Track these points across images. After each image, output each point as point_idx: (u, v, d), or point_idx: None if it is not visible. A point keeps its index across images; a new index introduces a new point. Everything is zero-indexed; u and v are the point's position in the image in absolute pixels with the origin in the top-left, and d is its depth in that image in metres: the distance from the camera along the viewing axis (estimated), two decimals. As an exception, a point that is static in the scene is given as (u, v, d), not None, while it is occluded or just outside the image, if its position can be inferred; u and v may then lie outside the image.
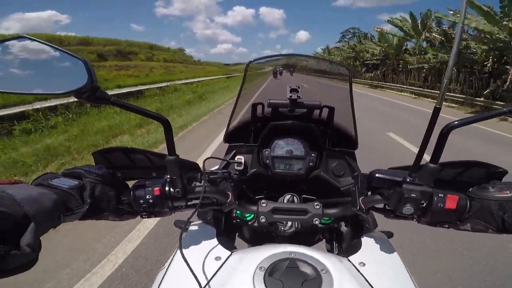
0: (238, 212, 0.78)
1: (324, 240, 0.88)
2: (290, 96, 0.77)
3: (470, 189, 0.52)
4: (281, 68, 1.17)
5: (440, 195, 0.48)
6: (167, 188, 0.51)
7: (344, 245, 0.76)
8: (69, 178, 0.47)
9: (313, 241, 0.87)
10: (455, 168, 0.57)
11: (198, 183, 0.58)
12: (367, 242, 0.62)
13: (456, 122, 0.43)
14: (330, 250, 0.83)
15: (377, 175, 0.53)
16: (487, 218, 0.47)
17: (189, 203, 0.55)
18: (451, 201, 0.48)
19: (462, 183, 0.56)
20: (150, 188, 0.51)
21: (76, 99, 0.47)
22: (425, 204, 0.47)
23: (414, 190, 0.46)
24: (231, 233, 0.81)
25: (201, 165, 0.61)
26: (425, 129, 0.44)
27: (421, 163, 0.47)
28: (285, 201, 0.78)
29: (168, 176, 0.51)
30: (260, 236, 0.83)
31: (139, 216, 0.54)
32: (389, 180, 0.51)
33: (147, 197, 0.51)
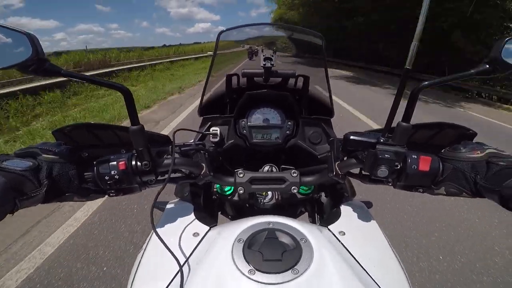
0: (217, 186, 0.78)
1: (307, 213, 0.90)
2: (264, 65, 0.75)
3: (443, 151, 0.52)
4: (256, 48, 1.13)
5: (413, 156, 0.48)
6: (133, 162, 0.49)
7: (325, 216, 0.77)
8: (22, 159, 0.44)
9: (295, 214, 0.88)
10: (428, 130, 0.57)
11: (169, 156, 0.55)
12: (346, 211, 0.62)
13: (426, 83, 0.43)
14: (313, 222, 0.84)
15: (351, 137, 0.52)
16: (461, 180, 0.47)
17: (159, 177, 0.53)
18: (425, 163, 0.47)
19: (434, 145, 0.56)
20: (115, 163, 0.48)
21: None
22: (399, 166, 0.47)
23: (388, 150, 0.46)
24: (212, 210, 0.81)
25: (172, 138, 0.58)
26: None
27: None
28: (265, 172, 0.78)
29: (134, 149, 0.49)
30: (242, 211, 0.83)
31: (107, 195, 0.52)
32: (363, 141, 0.50)
33: (112, 172, 0.48)
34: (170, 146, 0.57)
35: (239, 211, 0.85)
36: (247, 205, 0.80)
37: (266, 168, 0.79)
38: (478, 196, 0.46)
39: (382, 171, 0.46)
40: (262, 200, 0.76)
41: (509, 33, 8.93)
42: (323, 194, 0.81)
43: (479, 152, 0.47)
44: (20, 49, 0.37)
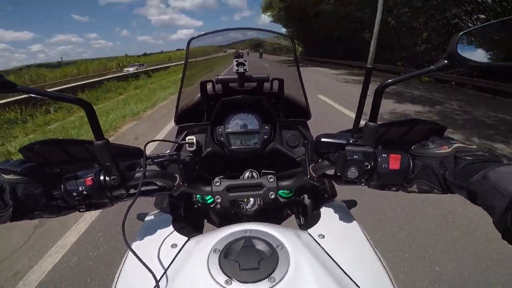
0: (198, 196, 0.77)
1: (294, 216, 0.88)
2: (236, 70, 0.75)
3: (413, 147, 0.51)
4: (241, 52, 1.13)
5: (383, 155, 0.47)
6: (101, 177, 0.48)
7: (308, 217, 0.76)
8: None
9: (281, 218, 0.87)
10: (401, 127, 0.57)
11: (141, 169, 0.54)
12: (326, 212, 0.61)
13: (389, 81, 0.43)
14: (299, 225, 0.83)
15: (322, 139, 0.51)
16: (431, 177, 0.46)
17: (131, 191, 0.52)
18: (395, 161, 0.47)
19: (406, 142, 0.56)
20: (82, 179, 0.47)
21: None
22: (369, 166, 0.46)
23: (357, 151, 0.46)
24: (197, 219, 0.79)
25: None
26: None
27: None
28: (245, 178, 0.77)
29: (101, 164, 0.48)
30: (226, 218, 0.82)
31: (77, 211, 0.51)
32: (334, 143, 0.50)
33: (80, 188, 0.47)
34: (142, 159, 0.55)
35: (225, 218, 0.84)
36: (232, 211, 0.79)
37: (247, 174, 0.78)
38: (449, 192, 0.45)
39: (352, 172, 0.46)
40: (244, 207, 0.75)
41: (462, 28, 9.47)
42: (306, 196, 0.81)
43: (446, 147, 0.46)
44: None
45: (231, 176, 0.79)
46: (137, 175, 0.51)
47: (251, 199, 0.75)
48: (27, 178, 0.46)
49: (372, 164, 0.47)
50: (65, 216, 0.52)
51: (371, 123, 0.45)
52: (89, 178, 0.47)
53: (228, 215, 0.80)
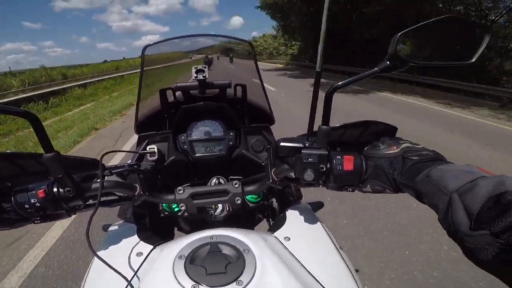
0: (164, 205, 0.75)
1: (265, 219, 0.89)
2: (195, 77, 0.74)
3: (365, 148, 0.52)
4: (211, 56, 1.10)
5: (337, 156, 0.48)
6: (55, 189, 0.47)
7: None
8: None
9: (253, 222, 0.88)
10: (356, 129, 0.59)
11: (98, 180, 0.53)
12: (291, 215, 0.62)
13: (339, 83, 0.45)
14: (270, 229, 0.84)
15: (281, 143, 0.52)
16: (382, 177, 0.47)
17: (90, 202, 0.51)
18: (348, 162, 0.48)
19: (361, 144, 0.57)
20: (34, 192, 0.46)
21: None
22: (325, 168, 0.47)
23: (312, 154, 0.47)
24: (168, 228, 0.78)
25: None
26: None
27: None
28: (211, 185, 0.77)
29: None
30: (197, 225, 0.80)
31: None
32: (292, 147, 0.51)
33: (32, 201, 0.46)
34: (99, 170, 0.54)
35: (195, 225, 0.82)
36: (200, 218, 0.77)
37: (214, 181, 0.78)
38: (399, 191, 0.46)
39: (309, 175, 0.47)
40: (213, 213, 0.74)
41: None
42: (274, 199, 0.82)
43: (395, 147, 0.47)
44: None
45: (197, 183, 0.78)
46: (94, 185, 0.50)
47: (220, 205, 0.74)
48: None
49: (327, 166, 0.48)
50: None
51: (323, 126, 0.46)
52: (41, 190, 0.46)
53: (198, 222, 0.79)
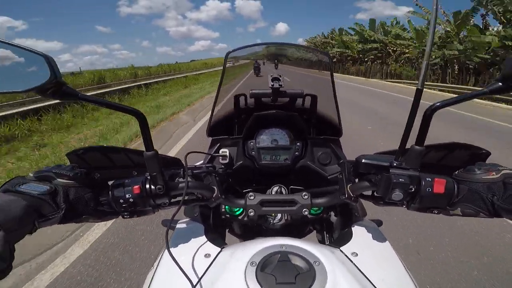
0: (226, 207, 0.77)
1: (315, 231, 0.88)
2: (272, 85, 0.76)
3: (456, 172, 0.51)
4: (259, 62, 1.12)
5: (427, 179, 0.47)
6: (147, 186, 0.49)
7: (335, 235, 0.75)
8: (38, 183, 0.44)
9: (303, 233, 0.87)
10: (439, 151, 0.57)
11: (181, 179, 0.56)
12: (357, 231, 0.61)
13: (438, 104, 0.42)
14: (321, 241, 0.83)
15: (363, 160, 0.52)
16: (477, 201, 0.46)
17: (172, 200, 0.53)
18: (439, 185, 0.47)
19: (446, 166, 0.55)
20: (130, 187, 0.49)
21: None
22: (413, 189, 0.46)
23: (402, 174, 0.46)
24: (220, 229, 0.80)
25: (183, 161, 0.59)
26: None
27: (407, 147, 0.46)
28: (273, 193, 0.77)
29: (148, 173, 0.49)
30: (250, 230, 0.82)
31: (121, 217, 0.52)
32: (376, 165, 0.50)
33: (127, 196, 0.49)
34: (182, 169, 0.57)
35: (247, 230, 0.84)
36: (256, 224, 0.78)
37: (275, 189, 0.78)
38: (496, 216, 0.46)
39: (397, 195, 0.46)
40: (271, 221, 0.74)
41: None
42: (332, 213, 0.80)
43: (494, 173, 0.46)
44: (37, 71, 0.37)
45: (258, 189, 0.79)
46: (180, 185, 0.52)
47: (279, 214, 0.74)
48: (78, 183, 0.48)
49: (415, 187, 0.46)
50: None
51: (417, 147, 0.45)
52: (136, 187, 0.49)
53: (253, 227, 0.80)
